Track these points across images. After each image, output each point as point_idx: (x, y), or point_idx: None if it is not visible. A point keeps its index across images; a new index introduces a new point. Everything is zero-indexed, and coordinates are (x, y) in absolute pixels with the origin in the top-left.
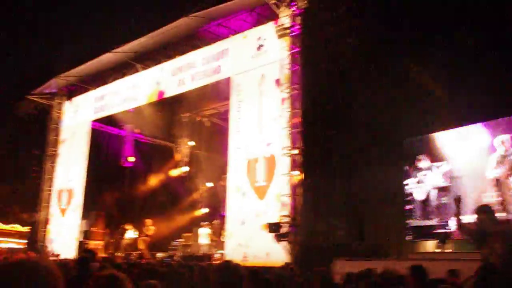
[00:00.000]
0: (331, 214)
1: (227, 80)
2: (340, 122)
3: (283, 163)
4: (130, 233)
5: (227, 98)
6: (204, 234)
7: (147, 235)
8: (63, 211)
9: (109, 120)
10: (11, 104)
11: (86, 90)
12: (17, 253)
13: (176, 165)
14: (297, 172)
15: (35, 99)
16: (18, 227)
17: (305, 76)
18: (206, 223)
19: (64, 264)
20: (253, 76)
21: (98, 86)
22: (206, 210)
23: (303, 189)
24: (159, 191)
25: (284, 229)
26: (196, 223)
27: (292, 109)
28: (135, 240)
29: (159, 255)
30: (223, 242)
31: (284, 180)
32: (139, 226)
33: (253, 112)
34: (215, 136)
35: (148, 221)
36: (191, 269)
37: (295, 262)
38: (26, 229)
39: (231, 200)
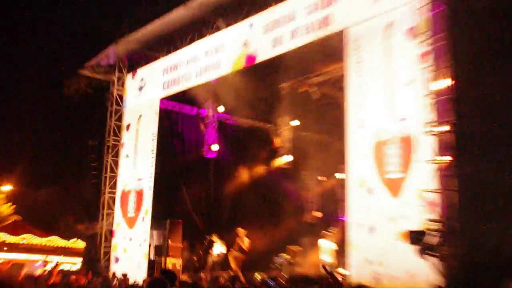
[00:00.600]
0: (501, 218)
1: (340, 35)
2: None
3: (426, 145)
4: (218, 247)
5: (341, 59)
6: (327, 250)
7: (241, 249)
8: (130, 220)
9: (184, 97)
10: (59, 81)
11: (152, 59)
12: (73, 275)
13: (276, 154)
14: (448, 158)
15: (89, 74)
16: (72, 242)
17: (455, 18)
18: (329, 232)
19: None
20: (376, 27)
21: (168, 52)
22: (318, 214)
23: (458, 181)
24: (253, 189)
25: (431, 239)
26: (304, 231)
27: (436, 68)
28: (224, 257)
29: (257, 276)
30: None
31: (429, 169)
32: (228, 237)
33: (379, 76)
34: (327, 112)
35: (241, 231)
36: None
37: (449, 285)
38: (81, 244)
39: (353, 199)
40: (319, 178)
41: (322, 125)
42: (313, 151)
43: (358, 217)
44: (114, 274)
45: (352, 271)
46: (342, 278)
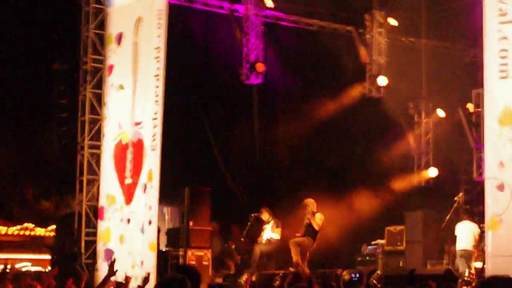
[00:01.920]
0: None
1: None
2: None
3: None
4: (268, 230)
5: None
6: (465, 234)
7: (309, 231)
8: (127, 190)
9: None
10: None
11: None
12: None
13: (362, 75)
14: None
15: None
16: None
17: None
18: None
19: None
20: None
21: None
22: (434, 171)
23: None
24: (325, 136)
25: None
26: (412, 200)
27: None
28: (278, 244)
29: (345, 274)
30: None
31: None
32: (285, 213)
33: None
34: (446, 4)
35: (311, 202)
36: None
37: None
38: (48, 231)
39: (493, 145)
40: (437, 112)
41: (439, 26)
42: (424, 68)
43: (502, 174)
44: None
45: (490, 263)
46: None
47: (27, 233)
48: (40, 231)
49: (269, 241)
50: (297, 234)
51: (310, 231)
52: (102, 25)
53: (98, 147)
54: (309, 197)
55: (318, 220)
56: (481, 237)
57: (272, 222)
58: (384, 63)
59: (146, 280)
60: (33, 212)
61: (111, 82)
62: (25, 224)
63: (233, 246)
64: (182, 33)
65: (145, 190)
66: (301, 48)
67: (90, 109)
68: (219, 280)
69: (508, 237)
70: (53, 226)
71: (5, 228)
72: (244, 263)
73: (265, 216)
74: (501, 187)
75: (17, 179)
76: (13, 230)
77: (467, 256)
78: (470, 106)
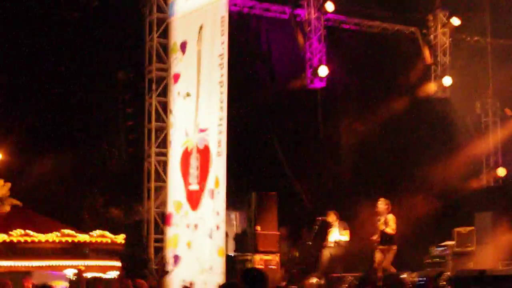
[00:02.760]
0: None
1: None
2: None
3: None
4: (336, 232)
5: None
6: None
7: (384, 235)
8: (193, 196)
9: None
10: None
11: None
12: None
13: (426, 76)
14: None
15: None
16: (104, 235)
17: None
18: None
19: None
20: None
21: None
22: (503, 171)
23: None
24: (391, 138)
25: None
26: (482, 201)
27: None
28: (345, 246)
29: (405, 276)
30: None
31: None
32: (352, 216)
33: None
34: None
35: (383, 203)
36: None
37: None
38: (119, 238)
39: None
40: (504, 111)
41: (504, 24)
42: (489, 66)
43: None
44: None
45: None
46: None
47: (104, 240)
48: (88, 237)
49: (337, 243)
50: (374, 238)
51: (386, 239)
52: (165, 34)
53: (165, 154)
54: (376, 199)
55: (391, 223)
56: None
57: (338, 224)
58: (448, 63)
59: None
60: (103, 220)
61: (177, 90)
62: (99, 231)
63: (297, 254)
64: (246, 40)
65: (212, 195)
66: (364, 51)
67: (156, 117)
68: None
69: None
70: (99, 231)
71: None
72: (312, 266)
73: (331, 218)
74: None
75: (86, 188)
76: (53, 236)
77: None
78: None
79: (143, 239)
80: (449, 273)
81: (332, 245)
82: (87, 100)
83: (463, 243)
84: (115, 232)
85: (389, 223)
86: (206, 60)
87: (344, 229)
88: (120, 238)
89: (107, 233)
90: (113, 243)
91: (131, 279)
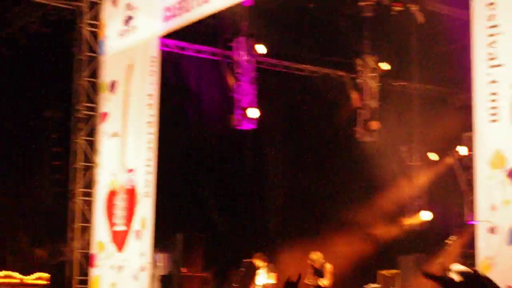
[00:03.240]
0: None
1: None
2: None
3: None
4: (263, 276)
5: None
6: None
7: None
8: (119, 237)
9: (200, 32)
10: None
11: None
12: None
13: (354, 119)
14: None
15: (44, 0)
16: (33, 278)
17: None
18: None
19: None
20: None
21: None
22: (428, 214)
23: None
24: (319, 179)
25: None
26: (405, 244)
27: None
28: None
29: None
30: None
31: None
32: (280, 259)
33: None
34: (438, 47)
35: (317, 256)
36: None
37: None
38: (42, 278)
39: (485, 187)
40: (429, 156)
41: (431, 70)
42: (416, 111)
43: (494, 217)
44: None
45: None
46: None
47: (12, 281)
48: (30, 280)
49: (264, 286)
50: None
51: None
52: (95, 73)
53: (91, 195)
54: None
55: (329, 273)
56: None
57: (264, 267)
58: (376, 107)
59: None
60: (27, 260)
61: (105, 129)
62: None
63: None
64: (176, 80)
65: (138, 236)
66: (292, 93)
67: (83, 157)
68: None
69: (500, 280)
70: (38, 274)
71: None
72: None
73: (258, 261)
74: (493, 230)
75: (10, 227)
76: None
77: None
78: (462, 150)
79: (66, 281)
80: None
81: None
82: (14, 137)
83: (387, 286)
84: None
85: (327, 273)
86: (135, 100)
87: (271, 272)
88: (31, 279)
89: (14, 274)
90: (23, 283)
91: None
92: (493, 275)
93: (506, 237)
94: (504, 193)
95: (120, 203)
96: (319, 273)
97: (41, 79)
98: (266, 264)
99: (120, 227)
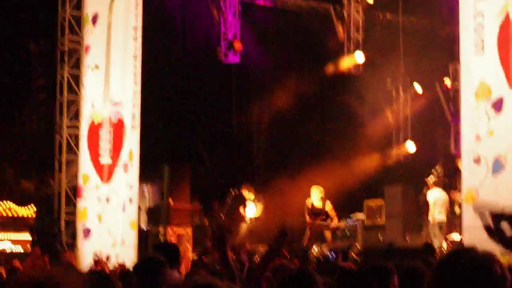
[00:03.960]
0: None
1: None
2: None
3: None
4: (251, 207)
5: None
6: (438, 203)
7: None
8: (105, 170)
9: None
10: None
11: None
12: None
13: (339, 51)
14: None
15: None
16: (13, 208)
17: None
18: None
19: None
20: None
21: None
22: (412, 146)
23: None
24: (303, 112)
25: None
26: (390, 174)
27: None
28: (257, 220)
29: (314, 249)
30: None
31: None
32: (267, 190)
33: None
34: None
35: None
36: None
37: None
38: (29, 210)
39: (470, 119)
40: (414, 87)
41: (416, 2)
42: (401, 43)
43: (479, 148)
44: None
45: (466, 235)
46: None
47: (8, 213)
48: (20, 211)
49: (251, 220)
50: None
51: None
52: (79, 5)
53: (77, 128)
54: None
55: (333, 212)
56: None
57: (254, 199)
58: (361, 40)
59: None
60: (13, 192)
61: (88, 62)
62: (6, 203)
63: (213, 225)
64: (160, 14)
65: (126, 169)
66: (278, 27)
67: (68, 89)
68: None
69: None
70: (32, 207)
71: None
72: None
73: (246, 193)
74: (477, 160)
75: None
76: None
77: (442, 227)
78: (447, 81)
79: (53, 213)
80: (359, 246)
81: (248, 220)
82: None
83: (373, 216)
84: (25, 204)
85: (332, 213)
86: (119, 33)
87: (259, 203)
88: (28, 211)
89: (13, 205)
90: (20, 216)
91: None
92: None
93: (491, 167)
94: (488, 124)
95: (106, 135)
96: (319, 212)
97: (26, 12)
98: (254, 195)
99: (106, 160)
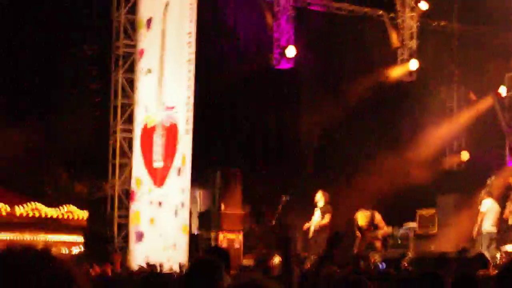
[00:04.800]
0: None
1: None
2: None
3: None
4: (317, 214)
5: None
6: (490, 213)
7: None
8: (158, 174)
9: None
10: None
11: None
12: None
13: (393, 59)
14: None
15: None
16: (65, 211)
17: None
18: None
19: (161, 279)
20: None
21: None
22: (466, 155)
23: None
24: (356, 120)
25: None
26: (444, 184)
27: None
28: (320, 227)
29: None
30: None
31: None
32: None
33: None
34: None
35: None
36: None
37: None
38: (81, 213)
39: None
40: (469, 96)
41: (471, 10)
42: (456, 52)
43: None
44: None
45: None
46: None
47: (70, 216)
48: (51, 212)
49: (315, 227)
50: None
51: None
52: (133, 9)
53: (130, 131)
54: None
55: (382, 222)
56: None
57: (324, 206)
58: (415, 47)
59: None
60: (67, 195)
61: (141, 66)
62: (31, 204)
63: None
64: (213, 19)
65: (179, 173)
66: (331, 33)
67: (122, 93)
68: (250, 262)
69: None
70: (67, 206)
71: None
72: (273, 245)
73: (318, 196)
74: None
75: (51, 163)
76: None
77: (494, 238)
78: (503, 90)
79: (106, 216)
80: (411, 254)
81: (318, 228)
82: (55, 75)
83: (426, 225)
84: (78, 208)
85: (381, 224)
86: (173, 38)
87: (328, 212)
88: (85, 214)
89: (74, 209)
90: (79, 219)
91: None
92: None
93: None
94: None
95: (159, 139)
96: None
97: (80, 16)
98: (326, 201)
99: (159, 163)
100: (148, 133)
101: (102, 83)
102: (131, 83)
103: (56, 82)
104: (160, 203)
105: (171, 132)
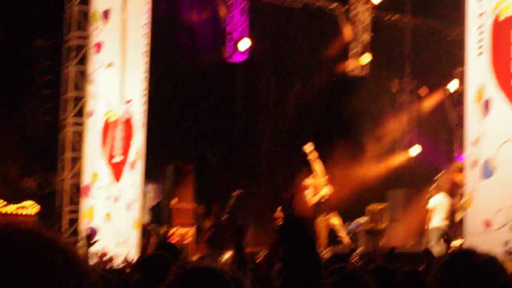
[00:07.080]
0: None
1: None
2: None
3: None
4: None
5: None
6: (440, 208)
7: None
8: (116, 168)
9: None
10: None
11: None
12: None
13: (345, 53)
14: None
15: None
16: (20, 207)
17: None
18: (438, 180)
19: (117, 272)
20: None
21: None
22: (416, 150)
23: None
24: (307, 114)
25: None
26: (394, 179)
27: None
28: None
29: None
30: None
31: None
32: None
33: None
34: None
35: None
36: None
37: None
38: (33, 207)
39: (470, 125)
40: (419, 91)
41: (426, 4)
42: (408, 46)
43: (475, 151)
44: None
45: (468, 240)
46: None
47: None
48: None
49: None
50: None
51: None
52: (86, 1)
53: (81, 125)
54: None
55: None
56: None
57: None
58: (368, 40)
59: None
60: (15, 190)
61: (100, 59)
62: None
63: (208, 225)
64: (168, 11)
65: (132, 167)
66: (283, 25)
67: (74, 86)
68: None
69: (477, 214)
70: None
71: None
72: (224, 241)
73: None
74: (474, 164)
75: (1, 157)
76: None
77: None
78: (452, 85)
79: (55, 211)
80: (361, 249)
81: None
82: (3, 67)
83: (376, 220)
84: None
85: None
86: (132, 30)
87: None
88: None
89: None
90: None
91: None
92: (472, 209)
93: (482, 171)
94: (479, 127)
95: (118, 134)
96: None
97: (31, 8)
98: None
99: (118, 158)
100: (109, 127)
101: (53, 76)
102: (83, 76)
103: (5, 75)
104: (116, 198)
105: (127, 126)
